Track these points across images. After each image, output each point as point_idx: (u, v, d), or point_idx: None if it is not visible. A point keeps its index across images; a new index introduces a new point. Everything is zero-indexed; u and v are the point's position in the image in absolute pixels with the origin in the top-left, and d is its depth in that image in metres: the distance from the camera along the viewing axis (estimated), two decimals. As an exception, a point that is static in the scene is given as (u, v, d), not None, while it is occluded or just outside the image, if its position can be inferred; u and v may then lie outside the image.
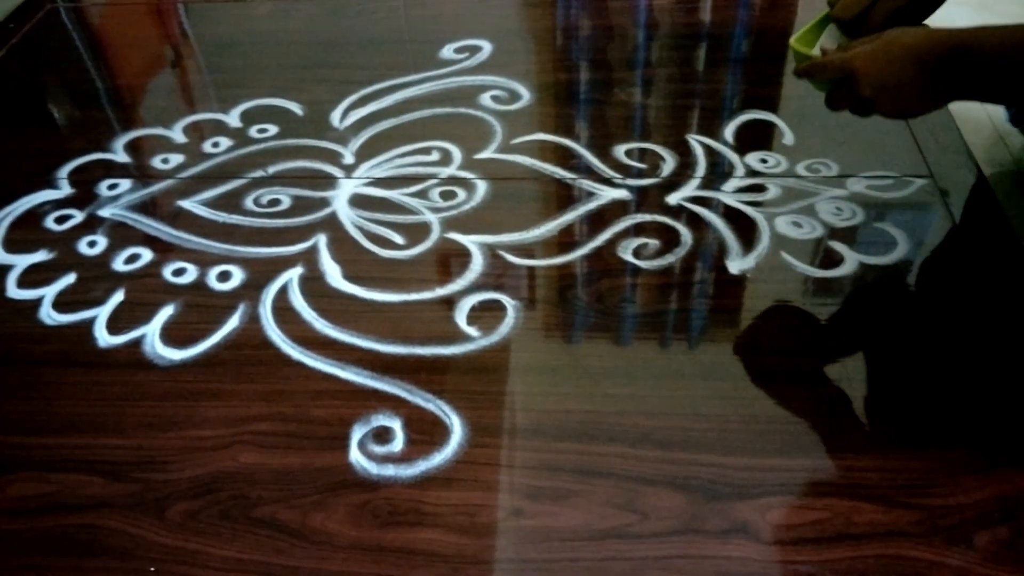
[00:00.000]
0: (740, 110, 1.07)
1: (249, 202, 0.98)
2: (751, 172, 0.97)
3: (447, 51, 1.23)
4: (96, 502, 0.69)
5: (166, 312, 0.85)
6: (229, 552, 0.65)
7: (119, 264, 0.91)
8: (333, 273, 0.88)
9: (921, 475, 0.66)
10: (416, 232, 0.92)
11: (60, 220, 0.98)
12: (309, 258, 0.90)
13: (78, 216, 0.98)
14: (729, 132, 1.03)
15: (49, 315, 0.86)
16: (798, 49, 0.80)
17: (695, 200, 0.93)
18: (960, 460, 0.67)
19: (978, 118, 1.05)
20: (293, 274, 0.88)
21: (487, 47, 1.23)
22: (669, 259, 0.87)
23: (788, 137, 1.02)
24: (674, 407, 0.73)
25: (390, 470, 0.69)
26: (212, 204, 0.98)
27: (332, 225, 0.94)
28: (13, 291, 0.89)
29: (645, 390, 0.74)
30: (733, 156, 0.99)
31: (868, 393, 0.73)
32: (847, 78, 0.71)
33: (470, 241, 0.91)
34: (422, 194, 0.97)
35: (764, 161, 0.98)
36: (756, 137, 1.02)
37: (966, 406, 0.71)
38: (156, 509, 0.68)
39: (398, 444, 0.71)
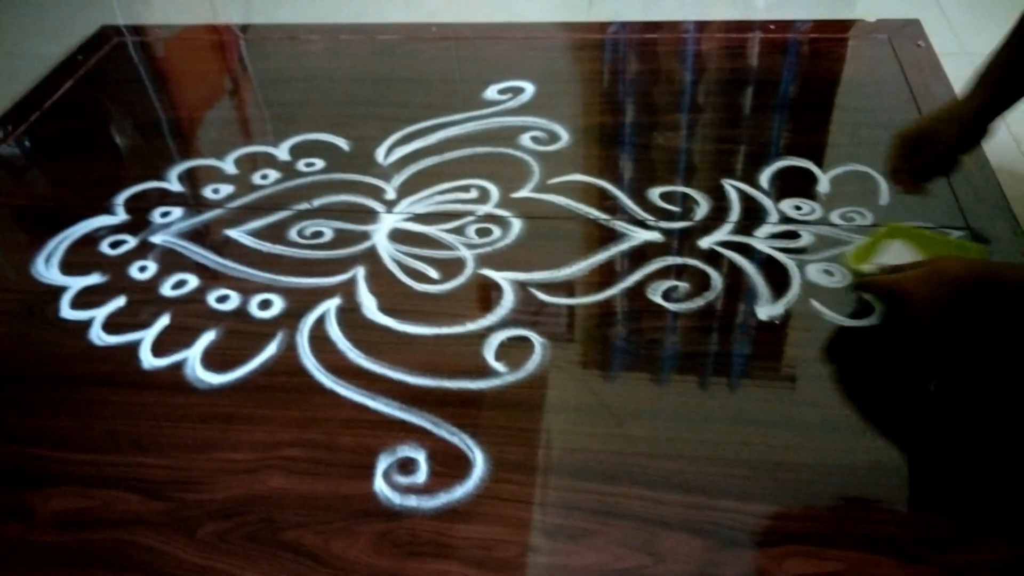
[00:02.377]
0: (778, 156, 1.07)
1: (293, 233, 1.02)
2: (785, 219, 0.97)
3: (491, 92, 1.26)
4: (132, 518, 0.72)
5: (208, 337, 0.88)
6: (254, 574, 0.67)
7: (167, 289, 0.95)
8: (369, 305, 0.91)
9: (942, 532, 0.66)
10: (451, 267, 0.95)
11: (114, 245, 1.03)
12: (347, 290, 0.93)
13: (131, 242, 1.03)
14: (765, 178, 1.04)
15: (99, 336, 0.90)
16: (851, 266, 0.86)
17: (727, 245, 0.94)
18: (981, 519, 0.66)
19: (1019, 170, 1.04)
20: (331, 304, 0.91)
21: (530, 89, 1.26)
22: (698, 302, 0.88)
23: (824, 185, 1.02)
24: (697, 451, 0.73)
25: (412, 501, 0.71)
26: (258, 234, 1.02)
27: (371, 258, 0.97)
28: (66, 311, 0.93)
29: (669, 432, 0.75)
30: (768, 202, 1.00)
31: (895, 448, 0.73)
32: (898, 295, 0.77)
33: (502, 277, 0.93)
34: (459, 230, 1.00)
35: (799, 208, 0.98)
36: (792, 184, 1.03)
37: (991, 466, 0.70)
38: (187, 528, 0.71)
39: (422, 476, 0.73)
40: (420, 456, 0.75)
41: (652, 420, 0.76)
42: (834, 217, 0.97)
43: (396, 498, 0.71)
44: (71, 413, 0.82)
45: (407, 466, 0.74)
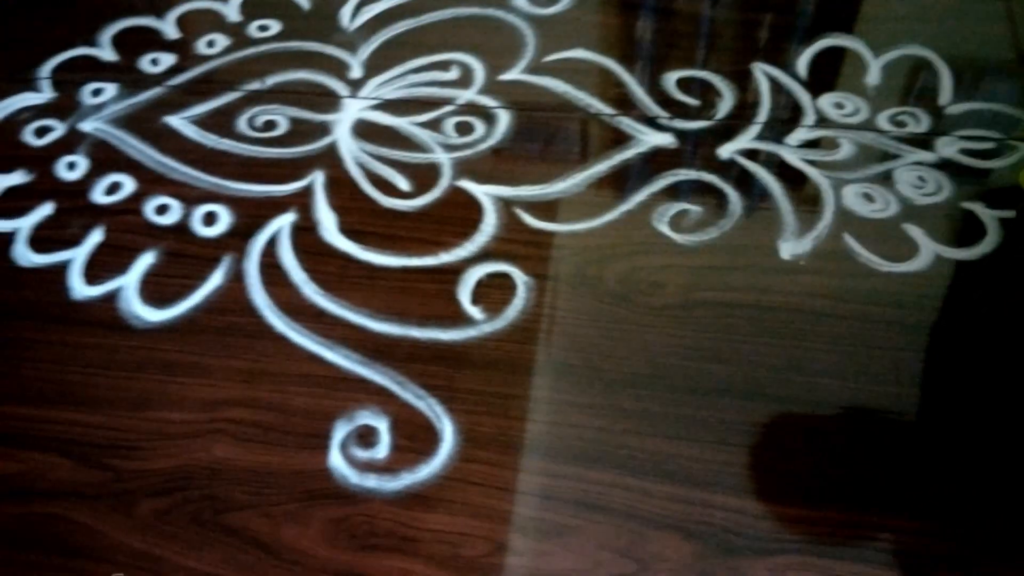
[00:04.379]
0: (822, 31, 0.89)
1: (243, 123, 0.87)
2: (822, 120, 0.82)
3: (481, -73, 1.04)
4: (66, 489, 0.65)
5: (146, 260, 0.77)
6: (196, 564, 0.61)
7: (99, 195, 0.83)
8: (328, 224, 0.78)
9: (960, 546, 0.58)
10: (424, 176, 0.81)
11: (40, 132, 0.89)
12: (303, 202, 0.80)
13: (59, 129, 0.89)
14: (804, 62, 0.87)
15: (24, 255, 0.79)
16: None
17: (751, 154, 0.80)
18: (1003, 535, 0.58)
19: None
20: (285, 221, 0.79)
21: (529, -77, 1.04)
22: (711, 233, 0.75)
23: (873, 74, 0.85)
24: (695, 431, 0.64)
25: (372, 481, 0.63)
26: (202, 123, 0.88)
27: (331, 159, 0.83)
28: (-12, 221, 0.82)
29: (664, 406, 0.65)
30: (804, 97, 0.84)
31: (918, 443, 0.63)
32: None
33: (483, 192, 0.79)
34: (435, 124, 0.85)
35: (840, 107, 0.82)
36: (835, 70, 0.86)
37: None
38: (125, 505, 0.64)
39: (383, 449, 0.65)
40: (382, 425, 0.66)
41: (646, 389, 0.66)
42: (882, 120, 0.81)
43: (354, 477, 0.64)
44: (-5, 353, 0.73)
45: (367, 437, 0.66)
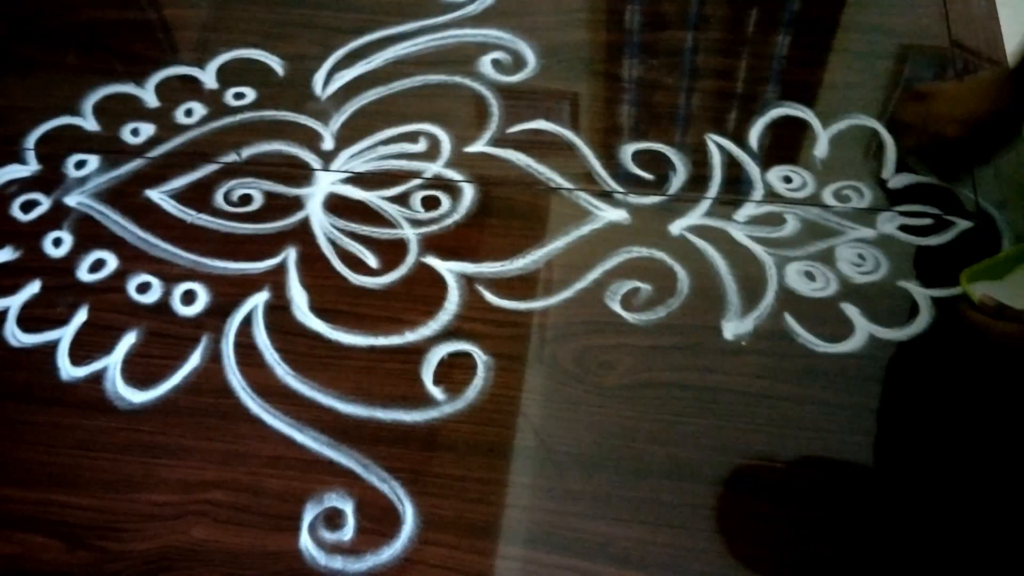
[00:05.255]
0: (774, 101, 0.93)
1: (219, 197, 0.91)
2: (771, 194, 0.85)
3: (449, -11, 1.07)
4: (57, 570, 0.70)
5: (128, 340, 0.82)
6: (178, 645, 0.66)
7: (83, 272, 0.87)
8: (300, 302, 0.83)
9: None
10: (391, 252, 0.85)
11: (26, 207, 0.93)
12: (276, 280, 0.85)
13: (45, 203, 0.93)
14: (756, 132, 0.90)
15: (14, 335, 0.83)
16: (963, 284, 0.72)
17: (700, 231, 0.84)
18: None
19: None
20: (259, 300, 0.83)
21: (495, -15, 1.07)
22: (660, 312, 0.79)
23: (822, 146, 0.89)
24: (637, 514, 0.69)
25: (338, 562, 0.69)
26: (181, 197, 0.92)
27: (303, 236, 0.87)
28: (-21, 300, 0.86)
29: (610, 488, 0.70)
30: (754, 170, 0.87)
31: (852, 525, 0.67)
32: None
33: (447, 269, 0.84)
34: (403, 199, 0.89)
35: (788, 180, 0.86)
36: (786, 143, 0.89)
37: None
38: (110, 586, 0.69)
39: (348, 531, 0.70)
40: (348, 507, 0.71)
41: (592, 471, 0.71)
42: (827, 195, 0.85)
43: (322, 558, 0.69)
44: (-11, 435, 0.78)
45: (334, 519, 0.71)
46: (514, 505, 0.70)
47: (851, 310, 0.77)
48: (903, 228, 0.82)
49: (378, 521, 0.70)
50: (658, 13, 1.04)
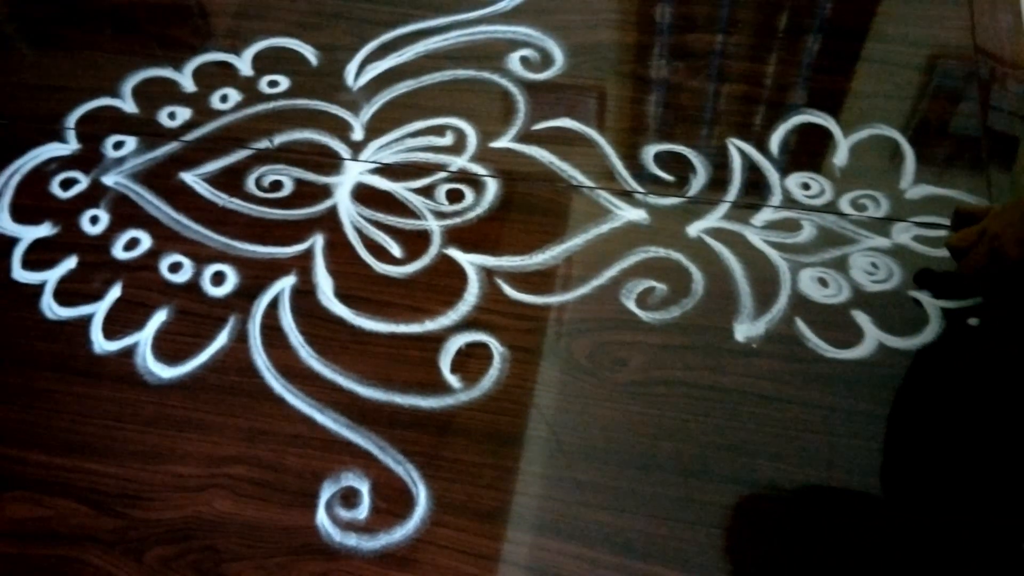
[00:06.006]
0: (797, 107, 0.94)
1: (251, 182, 0.94)
2: (789, 200, 0.87)
3: (481, -15, 1.09)
4: (83, 534, 0.73)
5: (159, 317, 0.85)
6: (197, 610, 0.70)
7: (119, 250, 0.90)
8: (326, 288, 0.86)
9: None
10: (415, 242, 0.88)
11: (65, 185, 0.96)
12: (304, 265, 0.87)
13: (83, 182, 0.96)
14: (777, 139, 0.92)
15: (50, 307, 0.87)
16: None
17: (718, 234, 0.85)
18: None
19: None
20: (286, 284, 0.86)
21: (527, -18, 1.09)
22: (674, 312, 0.81)
23: (841, 154, 0.90)
24: (643, 506, 0.71)
25: (353, 540, 0.71)
26: (214, 181, 0.95)
27: (331, 223, 0.90)
28: (18, 272, 0.90)
29: (617, 480, 0.72)
30: (774, 176, 0.89)
31: (850, 527, 0.69)
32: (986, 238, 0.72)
33: (468, 261, 0.86)
34: (428, 191, 0.92)
35: (806, 187, 0.87)
36: (806, 149, 0.91)
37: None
38: (135, 551, 0.72)
39: (363, 510, 0.73)
40: (363, 487, 0.74)
41: (601, 463, 0.73)
42: (844, 203, 0.86)
43: (337, 535, 0.72)
44: (24, 403, 0.81)
45: (350, 498, 0.73)
46: (524, 493, 0.73)
47: (862, 317, 0.79)
48: (918, 239, 0.83)
49: (392, 502, 0.73)
50: (688, 16, 1.05)
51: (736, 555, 0.68)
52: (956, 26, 1.00)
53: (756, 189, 0.88)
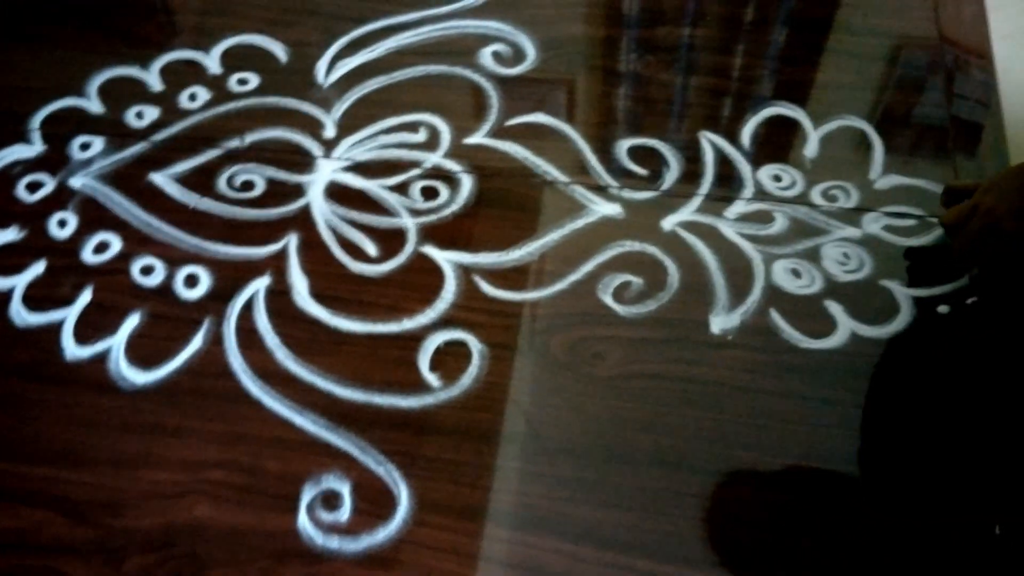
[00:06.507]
0: (767, 99, 0.95)
1: (222, 182, 0.93)
2: (761, 192, 0.88)
3: (451, -22, 1.09)
4: (61, 545, 0.72)
5: (132, 322, 0.84)
6: (179, 617, 0.69)
7: (88, 254, 0.89)
8: (300, 288, 0.85)
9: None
10: (390, 240, 0.88)
11: (32, 188, 0.94)
12: (277, 265, 0.87)
13: (49, 184, 0.95)
14: (748, 131, 0.92)
15: (19, 313, 0.85)
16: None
17: (692, 227, 0.86)
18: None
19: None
20: (260, 285, 0.85)
21: (497, -25, 1.08)
22: (650, 305, 0.82)
23: (812, 146, 0.91)
24: (624, 500, 0.72)
25: (335, 542, 0.71)
26: (184, 181, 0.93)
27: (304, 222, 0.89)
28: (-15, 278, 0.88)
29: (598, 474, 0.73)
30: (745, 168, 0.90)
31: (830, 517, 0.70)
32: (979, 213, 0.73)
33: (445, 259, 0.86)
34: (402, 188, 0.91)
35: (778, 179, 0.88)
36: (777, 141, 0.92)
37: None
38: (114, 561, 0.71)
39: (345, 512, 0.72)
40: (344, 489, 0.74)
41: (582, 459, 0.74)
42: (815, 194, 0.87)
43: (319, 538, 0.71)
44: (-3, 411, 0.80)
45: (331, 500, 0.73)
46: (505, 489, 0.73)
47: (835, 307, 0.80)
48: (888, 228, 0.85)
49: (374, 502, 0.73)
50: (656, 9, 1.06)
51: (717, 545, 0.69)
52: (921, 16, 1.02)
53: (728, 182, 0.89)
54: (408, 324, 0.82)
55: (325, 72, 1.02)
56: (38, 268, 0.88)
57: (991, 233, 0.73)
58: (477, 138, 0.94)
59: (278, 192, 0.92)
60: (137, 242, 0.89)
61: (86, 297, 0.86)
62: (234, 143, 0.96)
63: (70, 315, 0.85)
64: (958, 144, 0.92)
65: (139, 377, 0.81)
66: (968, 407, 0.74)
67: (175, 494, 0.74)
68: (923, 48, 1.00)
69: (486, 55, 1.01)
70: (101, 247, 0.89)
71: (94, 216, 0.92)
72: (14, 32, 1.09)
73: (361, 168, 0.93)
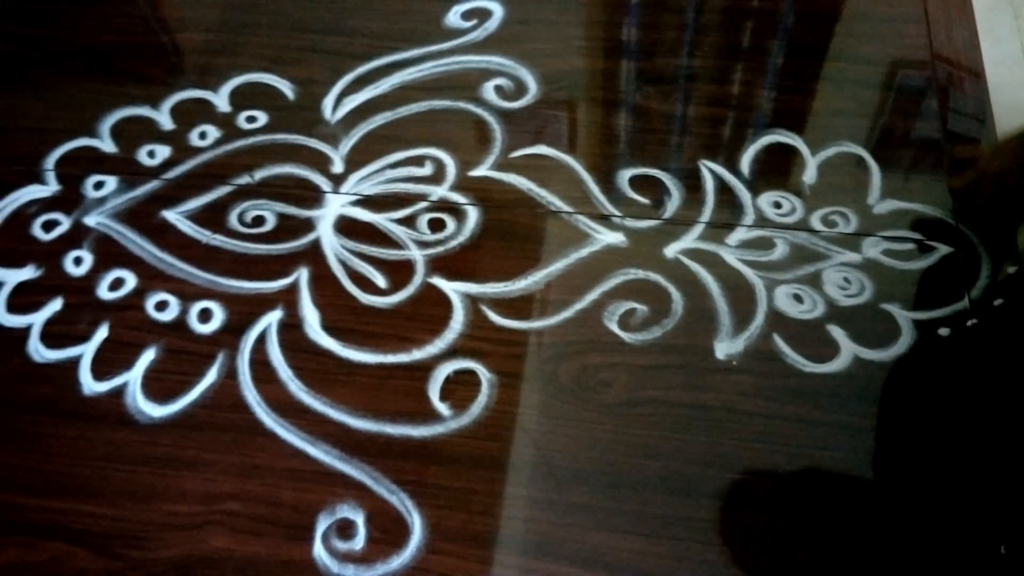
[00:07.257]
0: (765, 127, 0.97)
1: (233, 218, 0.95)
2: (761, 219, 0.90)
3: (453, 16, 1.11)
4: (81, 577, 0.74)
5: (148, 356, 0.86)
6: (198, 648, 0.70)
7: (104, 291, 0.91)
8: (312, 321, 0.87)
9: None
10: (399, 272, 0.89)
11: (47, 227, 0.97)
12: (289, 299, 0.88)
13: (65, 223, 0.97)
14: (747, 159, 0.94)
15: (37, 350, 0.87)
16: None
17: (694, 254, 0.88)
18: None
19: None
20: (272, 319, 0.87)
21: (498, 12, 1.11)
22: (655, 332, 0.83)
23: (810, 172, 0.93)
24: (633, 525, 0.73)
25: (350, 571, 0.73)
26: (196, 218, 0.96)
27: (315, 256, 0.91)
28: (3, 316, 0.90)
29: (607, 501, 0.74)
30: (745, 196, 0.92)
31: (841, 533, 0.71)
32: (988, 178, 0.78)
33: (453, 289, 0.88)
34: (410, 221, 0.93)
35: (778, 206, 0.90)
36: (776, 169, 0.94)
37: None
38: (134, 593, 0.73)
39: (360, 541, 0.74)
40: (359, 518, 0.75)
41: (592, 486, 0.75)
42: (815, 220, 0.89)
43: (335, 567, 0.73)
44: (16, 447, 0.82)
45: (345, 529, 0.75)
46: (515, 516, 0.74)
47: (837, 332, 0.82)
48: (887, 253, 0.86)
49: (388, 531, 0.74)
50: (654, 41, 1.08)
51: (725, 570, 0.70)
52: (915, 44, 1.04)
53: (729, 209, 0.91)
54: (418, 354, 0.84)
55: (332, 108, 1.04)
56: (55, 305, 0.90)
57: (1003, 196, 0.78)
58: (482, 170, 0.96)
59: (288, 227, 0.94)
60: (151, 278, 0.91)
61: (102, 333, 0.88)
62: (244, 180, 0.98)
63: (87, 351, 0.87)
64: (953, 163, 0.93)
65: (156, 411, 0.83)
66: (972, 427, 0.75)
67: (193, 525, 0.76)
68: (917, 72, 1.02)
69: (489, 89, 1.04)
70: (116, 284, 0.91)
71: (109, 253, 0.94)
72: (28, 76, 1.12)
73: (369, 202, 0.95)
